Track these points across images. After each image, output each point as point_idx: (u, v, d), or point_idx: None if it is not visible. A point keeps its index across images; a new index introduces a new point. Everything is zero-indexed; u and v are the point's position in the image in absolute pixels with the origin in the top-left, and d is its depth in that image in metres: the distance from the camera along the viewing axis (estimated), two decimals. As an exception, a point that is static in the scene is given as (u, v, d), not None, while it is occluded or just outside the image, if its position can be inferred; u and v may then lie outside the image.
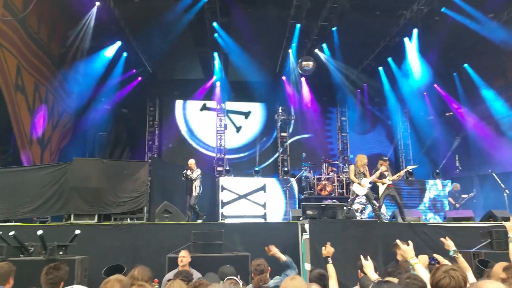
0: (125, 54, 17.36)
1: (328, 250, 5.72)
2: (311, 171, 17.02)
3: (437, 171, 16.79)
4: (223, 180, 16.71)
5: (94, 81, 17.26)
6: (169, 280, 4.55)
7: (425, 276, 3.62)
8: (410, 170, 15.71)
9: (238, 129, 21.34)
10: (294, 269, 6.62)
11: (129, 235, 8.99)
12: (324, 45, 17.53)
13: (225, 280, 5.16)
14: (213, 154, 20.49)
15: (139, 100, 20.38)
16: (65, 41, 15.45)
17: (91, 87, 17.32)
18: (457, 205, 14.16)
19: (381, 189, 10.56)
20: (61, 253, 6.78)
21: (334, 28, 15.90)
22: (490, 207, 11.02)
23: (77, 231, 7.16)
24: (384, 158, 10.88)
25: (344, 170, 17.26)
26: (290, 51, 17.93)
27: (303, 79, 20.27)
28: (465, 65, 17.84)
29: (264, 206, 16.32)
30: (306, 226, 8.35)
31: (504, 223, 5.64)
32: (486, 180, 14.35)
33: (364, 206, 12.77)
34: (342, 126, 21.61)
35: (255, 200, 16.34)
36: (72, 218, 9.50)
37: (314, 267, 6.16)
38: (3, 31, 10.99)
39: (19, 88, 12.14)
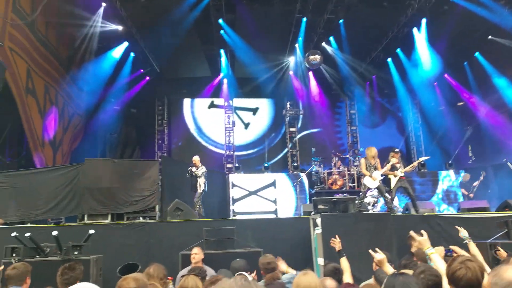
0: (132, 54, 17.43)
1: (336, 244, 5.72)
2: (321, 166, 16.97)
3: (450, 162, 16.63)
4: (233, 177, 16.73)
5: (103, 82, 17.36)
6: (183, 276, 4.58)
7: (442, 266, 3.60)
8: (422, 162, 15.56)
9: (247, 125, 21.34)
10: None
11: (142, 234, 9.04)
12: (331, 38, 17.41)
13: (235, 275, 5.16)
14: (222, 151, 20.53)
15: (148, 99, 20.49)
16: (73, 43, 15.55)
17: (100, 88, 17.42)
18: (471, 195, 14.00)
19: (393, 181, 10.47)
20: (76, 253, 6.83)
21: (341, 21, 15.80)
22: (505, 197, 10.88)
23: (91, 231, 7.22)
24: (396, 150, 10.77)
25: (355, 163, 17.20)
26: (296, 45, 17.86)
27: (310, 73, 20.23)
28: (476, 53, 17.62)
29: (274, 202, 16.32)
30: (318, 221, 8.32)
31: None
32: (501, 170, 14.21)
33: (376, 200, 12.70)
34: (352, 119, 21.51)
35: (266, 196, 16.35)
36: (85, 218, 9.59)
37: (328, 261, 6.14)
38: (13, 35, 11.07)
39: (30, 91, 12.24)
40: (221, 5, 14.78)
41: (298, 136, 21.13)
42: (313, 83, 20.55)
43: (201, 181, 11.52)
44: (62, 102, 14.81)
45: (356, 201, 9.79)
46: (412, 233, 4.81)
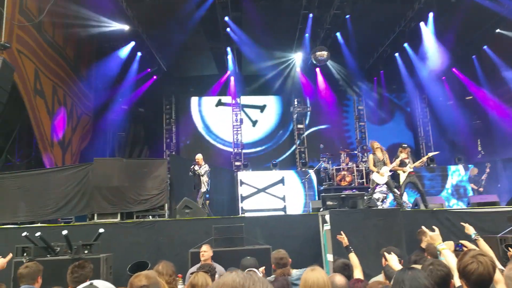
0: (139, 53, 17.47)
1: (342, 239, 5.72)
2: (330, 162, 16.93)
3: (459, 156, 16.53)
4: (242, 175, 16.74)
5: (110, 82, 17.46)
6: (192, 274, 4.59)
7: (453, 262, 3.58)
8: (432, 157, 15.48)
9: (254, 123, 21.35)
10: None
11: (151, 232, 9.10)
12: (337, 34, 17.33)
13: (245, 271, 5.12)
14: (230, 149, 20.58)
15: (155, 98, 20.57)
16: (80, 44, 15.63)
17: (108, 88, 17.53)
18: (481, 189, 13.92)
19: (402, 177, 10.45)
20: (86, 252, 6.89)
21: (347, 16, 15.72)
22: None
23: (101, 230, 7.27)
24: (404, 145, 10.74)
25: (363, 159, 17.14)
26: (303, 42, 17.80)
27: (317, 70, 20.18)
28: (484, 47, 17.49)
29: (283, 199, 16.31)
30: (327, 217, 8.33)
31: None
32: (510, 163, 14.10)
33: (385, 195, 12.68)
34: (360, 115, 21.44)
35: (274, 193, 16.35)
36: (95, 217, 9.65)
37: (338, 257, 6.14)
38: (20, 37, 11.13)
39: (38, 92, 12.31)
40: (227, 3, 14.79)
41: (306, 133, 21.11)
42: (320, 79, 20.50)
43: (204, 180, 11.45)
44: (70, 103, 14.89)
45: (365, 197, 9.77)
46: (424, 228, 4.80)
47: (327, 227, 8.29)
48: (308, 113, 21.16)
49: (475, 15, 15.26)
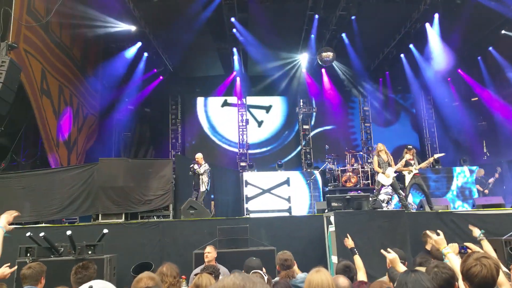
0: (145, 54, 17.53)
1: (348, 242, 5.70)
2: (335, 163, 16.90)
3: (464, 158, 16.47)
4: (247, 175, 16.72)
5: (117, 82, 17.52)
6: (196, 275, 4.59)
7: (458, 265, 3.56)
8: (437, 158, 15.43)
9: (260, 123, 21.35)
10: None
11: (156, 233, 9.09)
12: (343, 35, 17.31)
13: (250, 273, 5.11)
14: (236, 150, 20.60)
15: (161, 98, 20.63)
16: (87, 44, 15.69)
17: (114, 88, 17.58)
18: (486, 191, 13.86)
19: (407, 178, 10.44)
20: (90, 252, 6.90)
21: (353, 17, 15.69)
22: (521, 193, 10.78)
23: (105, 230, 7.28)
24: (409, 146, 10.73)
25: (369, 160, 17.10)
26: (309, 42, 17.79)
27: (323, 70, 20.17)
28: (490, 48, 17.42)
29: (288, 199, 16.27)
30: (332, 218, 8.31)
31: None
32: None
33: (390, 197, 12.64)
34: (365, 116, 21.42)
35: (279, 194, 16.31)
36: (100, 217, 9.66)
37: (342, 259, 6.12)
38: (28, 37, 11.19)
39: (45, 92, 12.36)
40: (233, 3, 14.82)
41: (312, 133, 21.11)
42: (326, 80, 20.49)
43: (204, 179, 11.30)
44: (76, 103, 14.95)
45: (371, 198, 9.75)
46: (428, 232, 4.77)
47: (332, 228, 8.27)
48: (314, 114, 21.16)
49: (480, 16, 15.23)
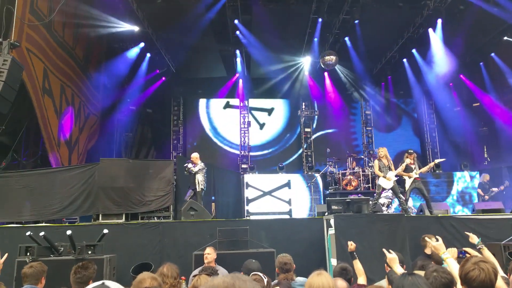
0: (148, 54, 17.57)
1: (350, 247, 5.70)
2: (336, 166, 16.91)
3: (465, 163, 16.47)
4: (248, 177, 16.73)
5: (119, 82, 17.54)
6: (194, 276, 4.60)
7: (457, 270, 3.56)
8: (438, 163, 15.42)
9: (262, 126, 21.37)
10: None
11: (156, 234, 9.08)
12: (346, 39, 17.33)
13: (250, 275, 5.10)
14: (237, 152, 20.62)
15: (163, 100, 20.65)
16: (89, 44, 15.71)
17: (116, 88, 17.59)
18: (486, 197, 13.84)
19: (408, 182, 10.45)
20: (89, 252, 6.89)
21: (356, 21, 15.71)
22: (520, 199, 10.77)
23: (105, 231, 7.28)
24: (410, 151, 10.74)
25: (370, 164, 17.11)
26: (312, 46, 17.80)
27: (326, 74, 20.19)
28: (492, 54, 17.45)
29: (289, 202, 16.28)
30: (332, 221, 8.31)
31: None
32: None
33: (390, 200, 12.64)
34: (367, 120, 21.44)
35: (280, 197, 16.32)
36: (100, 218, 9.66)
37: (341, 262, 6.12)
38: (30, 36, 11.20)
39: (46, 91, 12.37)
40: (237, 6, 14.86)
41: (313, 136, 21.13)
42: (328, 83, 20.51)
43: (200, 179, 11.10)
44: (78, 102, 14.96)
45: (371, 202, 9.75)
46: (427, 238, 4.77)
47: (332, 231, 8.27)
48: (316, 117, 21.19)
49: (483, 23, 15.33)
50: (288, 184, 16.55)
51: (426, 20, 15.63)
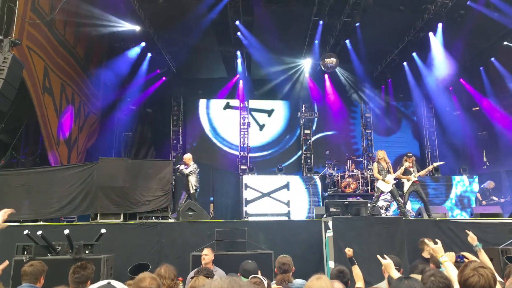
0: (149, 54, 17.56)
1: (348, 252, 5.70)
2: (335, 169, 16.92)
3: (464, 167, 16.49)
4: (247, 179, 16.73)
5: (120, 81, 17.54)
6: (192, 278, 4.60)
7: (454, 274, 3.57)
8: (437, 167, 15.45)
9: (262, 127, 21.36)
10: None
11: (154, 234, 9.08)
12: (347, 41, 17.35)
13: (249, 278, 5.08)
14: (237, 153, 20.60)
15: (164, 99, 20.64)
16: (90, 42, 15.72)
17: (117, 87, 17.59)
18: (484, 202, 13.84)
19: (406, 185, 10.46)
20: (87, 252, 6.88)
21: (357, 24, 15.72)
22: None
23: (103, 230, 7.26)
24: (409, 154, 10.76)
25: (369, 167, 17.13)
26: (313, 48, 17.82)
27: (326, 76, 20.21)
28: (492, 58, 17.49)
29: (287, 204, 16.28)
30: (330, 224, 8.32)
31: None
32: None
33: (389, 203, 12.65)
34: (366, 123, 21.45)
35: (279, 198, 16.33)
36: (98, 217, 9.64)
37: (338, 264, 6.12)
38: (31, 34, 11.20)
39: (47, 89, 12.36)
40: (238, 7, 14.86)
41: (313, 138, 21.12)
42: (328, 86, 20.53)
43: (192, 180, 11.03)
44: (78, 101, 14.96)
45: (369, 205, 9.76)
46: (426, 240, 4.78)
47: (330, 233, 8.28)
48: (316, 119, 21.21)
49: (483, 27, 15.36)
50: (287, 186, 16.55)
51: (426, 24, 15.67)
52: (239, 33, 16.55)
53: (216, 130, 21.11)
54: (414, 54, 17.95)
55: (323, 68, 18.03)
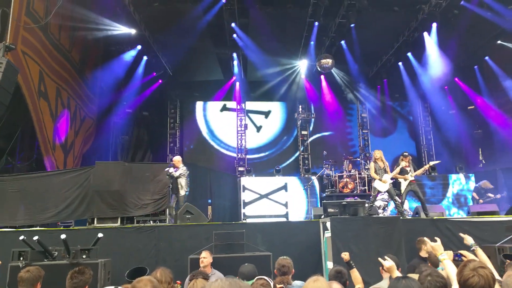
0: (145, 57, 17.55)
1: (345, 257, 5.69)
2: (332, 169, 16.93)
3: (460, 165, 16.52)
4: (245, 180, 16.69)
5: (115, 85, 17.50)
6: (190, 280, 4.58)
7: (454, 272, 3.56)
8: (433, 166, 15.48)
9: (259, 128, 21.36)
10: None
11: (151, 237, 9.04)
12: (342, 42, 17.38)
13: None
14: (234, 155, 20.59)
15: (160, 102, 20.62)
16: (86, 46, 15.69)
17: (113, 91, 17.56)
18: (480, 201, 13.86)
19: (403, 185, 10.48)
20: (84, 256, 6.83)
21: (352, 25, 15.75)
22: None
23: (100, 235, 7.22)
24: (405, 153, 10.78)
25: (366, 167, 17.14)
26: (308, 49, 17.84)
27: (322, 77, 20.24)
28: (486, 57, 17.58)
29: (285, 205, 16.25)
30: (328, 224, 8.31)
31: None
32: (511, 173, 14.08)
33: (386, 203, 12.67)
34: (363, 123, 21.50)
35: (277, 200, 16.29)
36: (95, 221, 9.61)
37: (337, 265, 6.12)
38: (26, 39, 11.17)
39: (42, 94, 12.33)
40: (234, 9, 14.89)
41: (310, 139, 21.14)
42: (324, 86, 20.55)
43: (182, 183, 10.74)
44: (74, 105, 14.93)
45: (367, 204, 9.77)
46: (426, 239, 4.79)
47: (328, 234, 8.27)
48: (312, 119, 21.22)
49: (477, 27, 15.46)
50: (284, 187, 16.52)
51: (421, 24, 15.74)
52: (235, 35, 16.55)
53: (213, 132, 21.10)
54: (409, 54, 18.02)
55: (319, 69, 18.07)
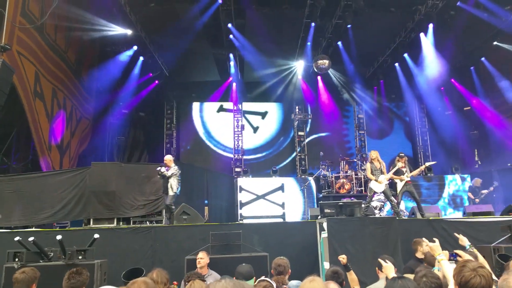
0: (141, 58, 17.51)
1: (342, 259, 5.69)
2: (329, 170, 16.94)
3: (456, 166, 16.56)
4: (241, 181, 16.70)
5: (112, 85, 17.45)
6: (187, 282, 4.56)
7: (451, 272, 3.56)
8: (429, 166, 15.52)
9: (255, 129, 21.37)
10: None
11: (147, 238, 9.02)
12: (339, 43, 17.40)
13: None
14: (231, 155, 20.59)
15: (157, 103, 20.60)
16: (81, 47, 15.65)
17: (109, 92, 17.51)
18: (477, 200, 13.91)
19: (399, 185, 10.48)
20: (80, 257, 6.80)
21: (348, 26, 15.77)
22: (510, 201, 10.84)
23: (96, 235, 7.19)
24: (401, 154, 10.78)
25: (362, 167, 17.15)
26: (305, 50, 17.85)
27: (319, 78, 20.25)
28: (482, 58, 17.62)
29: (282, 206, 16.27)
30: (324, 225, 8.31)
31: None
32: (506, 174, 14.13)
33: (382, 204, 12.67)
34: (359, 124, 21.52)
35: (274, 200, 16.31)
36: (91, 222, 9.58)
37: (333, 265, 6.11)
38: (21, 39, 11.14)
39: (38, 94, 12.29)
40: (230, 10, 14.88)
41: (307, 140, 21.16)
42: (321, 87, 20.57)
43: (173, 182, 10.36)
44: (70, 106, 14.89)
45: (363, 205, 9.77)
46: (424, 239, 4.80)
47: (325, 234, 8.27)
48: (309, 120, 21.24)
49: (473, 28, 15.51)
50: (281, 188, 16.54)
51: (417, 25, 15.79)
52: (231, 36, 16.55)
53: (210, 133, 21.09)
54: (405, 55, 18.05)
55: (315, 70, 18.09)
